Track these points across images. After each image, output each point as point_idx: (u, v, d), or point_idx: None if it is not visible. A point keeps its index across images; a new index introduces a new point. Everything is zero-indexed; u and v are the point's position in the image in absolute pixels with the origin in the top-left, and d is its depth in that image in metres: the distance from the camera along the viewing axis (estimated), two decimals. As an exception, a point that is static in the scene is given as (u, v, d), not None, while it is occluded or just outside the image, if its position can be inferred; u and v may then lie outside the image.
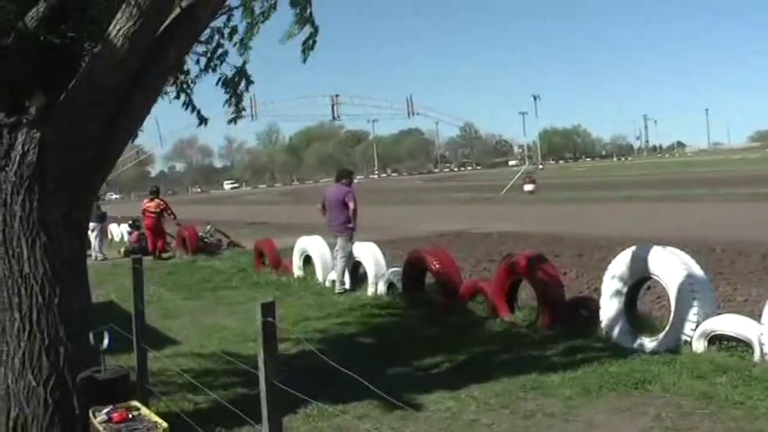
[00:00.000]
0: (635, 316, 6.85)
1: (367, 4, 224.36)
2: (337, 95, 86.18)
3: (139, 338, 5.24)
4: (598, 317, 6.91)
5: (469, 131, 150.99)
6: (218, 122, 7.18)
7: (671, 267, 6.33)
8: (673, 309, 6.27)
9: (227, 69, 5.73)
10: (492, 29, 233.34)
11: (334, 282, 10.86)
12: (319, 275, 11.64)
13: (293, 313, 9.12)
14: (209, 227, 18.98)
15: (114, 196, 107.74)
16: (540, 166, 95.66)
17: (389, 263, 10.55)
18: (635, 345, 6.40)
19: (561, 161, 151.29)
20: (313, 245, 12.03)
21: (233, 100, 5.88)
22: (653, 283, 7.10)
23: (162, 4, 4.53)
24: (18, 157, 4.60)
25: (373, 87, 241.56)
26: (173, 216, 18.30)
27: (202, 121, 6.07)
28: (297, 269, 12.39)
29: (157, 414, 4.14)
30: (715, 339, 5.95)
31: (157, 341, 7.23)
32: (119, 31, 4.41)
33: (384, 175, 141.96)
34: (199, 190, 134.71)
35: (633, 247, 6.84)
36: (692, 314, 6.06)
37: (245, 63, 5.67)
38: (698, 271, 6.37)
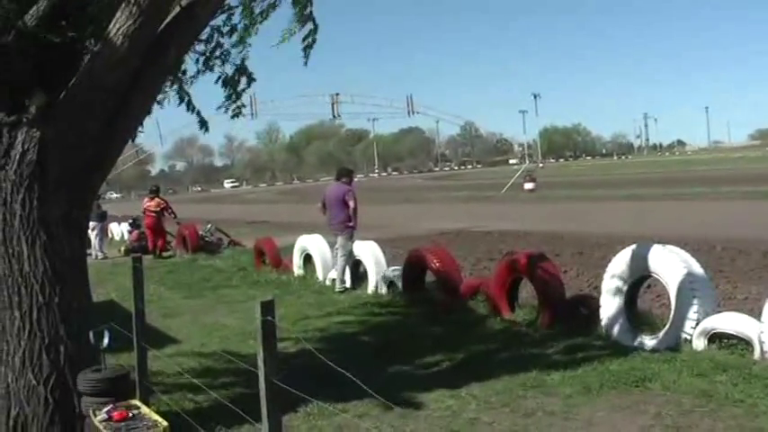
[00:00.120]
0: (635, 314, 6.85)
1: (367, 3, 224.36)
2: (337, 94, 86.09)
3: (139, 337, 5.23)
4: (598, 315, 6.91)
5: (470, 130, 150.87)
6: (219, 121, 7.19)
7: (671, 265, 6.33)
8: (673, 307, 6.27)
9: (227, 68, 5.74)
10: (492, 27, 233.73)
11: (334, 280, 10.86)
12: (319, 274, 11.64)
13: (293, 312, 9.13)
14: (209, 225, 18.96)
15: (114, 195, 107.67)
16: (541, 165, 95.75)
17: (390, 261, 10.55)
18: (635, 343, 6.40)
19: (561, 160, 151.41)
20: (313, 243, 12.03)
21: (233, 98, 5.87)
22: (653, 281, 7.11)
23: (162, 2, 4.54)
24: (18, 156, 4.60)
25: (373, 86, 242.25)
26: (173, 215, 18.31)
27: (204, 125, 6.08)
28: (297, 268, 12.39)
29: (157, 413, 4.15)
30: (715, 337, 5.95)
31: (158, 340, 7.22)
32: (119, 29, 4.41)
33: (384, 173, 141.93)
34: (199, 189, 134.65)
35: (633, 246, 6.84)
36: (693, 312, 6.06)
37: (244, 60, 5.67)
38: (698, 269, 6.38)
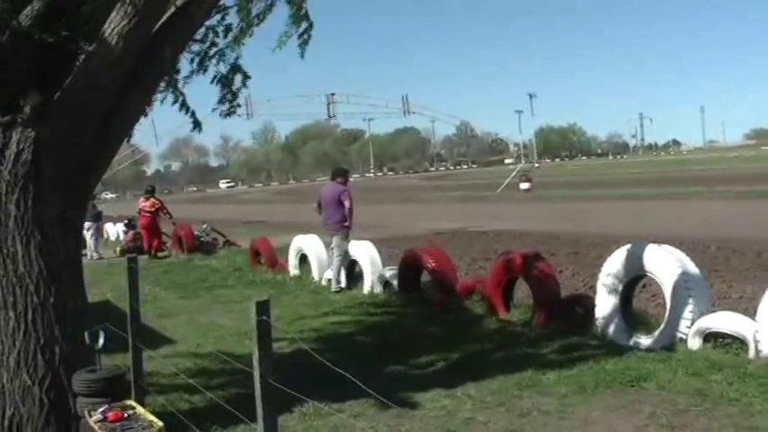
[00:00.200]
0: (630, 314, 6.86)
1: (362, 3, 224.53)
2: (333, 94, 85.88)
3: (135, 338, 5.23)
4: (594, 315, 6.92)
5: (465, 130, 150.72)
6: (214, 121, 7.18)
7: (666, 265, 6.35)
8: (668, 306, 6.29)
9: (222, 68, 5.73)
10: (488, 27, 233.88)
11: (330, 280, 10.86)
12: (315, 274, 11.63)
13: (289, 312, 9.12)
14: (204, 226, 18.96)
15: (110, 195, 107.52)
16: (536, 165, 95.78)
17: (385, 261, 10.55)
18: (630, 342, 6.42)
19: (557, 159, 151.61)
20: (309, 243, 12.02)
21: (228, 97, 5.86)
22: (648, 280, 7.12)
23: (157, 2, 4.53)
24: (13, 156, 4.59)
25: (369, 86, 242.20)
26: (168, 215, 18.30)
27: (197, 125, 6.06)
28: (293, 268, 12.39)
29: (153, 413, 4.14)
30: (710, 337, 5.96)
31: (153, 340, 7.22)
32: (114, 29, 4.41)
33: (380, 173, 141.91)
34: (195, 189, 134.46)
35: (628, 245, 6.86)
36: (688, 312, 6.08)
37: (238, 58, 5.67)
38: (693, 268, 6.39)
